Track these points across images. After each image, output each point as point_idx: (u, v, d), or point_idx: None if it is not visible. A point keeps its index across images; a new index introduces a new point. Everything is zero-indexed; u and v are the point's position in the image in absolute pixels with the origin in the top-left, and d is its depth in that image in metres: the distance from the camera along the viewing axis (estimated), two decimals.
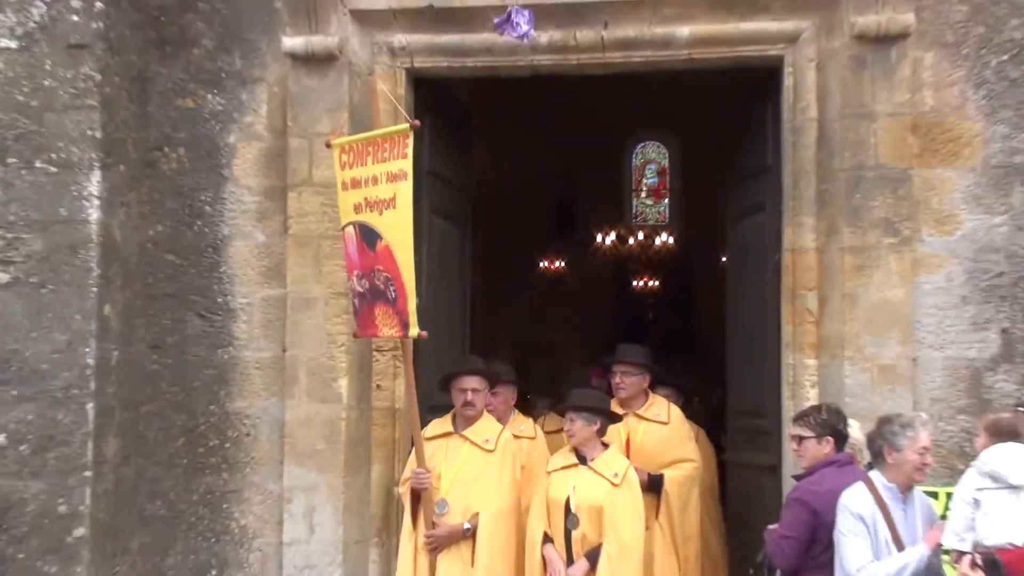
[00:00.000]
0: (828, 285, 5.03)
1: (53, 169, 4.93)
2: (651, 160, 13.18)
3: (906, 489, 3.85)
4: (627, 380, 5.24)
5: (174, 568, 5.28)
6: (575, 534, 4.54)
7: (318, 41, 5.14)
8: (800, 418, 4.28)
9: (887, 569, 3.70)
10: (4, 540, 4.77)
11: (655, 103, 8.80)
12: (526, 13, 4.54)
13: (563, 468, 4.69)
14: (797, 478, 4.24)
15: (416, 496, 4.69)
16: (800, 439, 4.16)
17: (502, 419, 5.12)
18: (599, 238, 12.22)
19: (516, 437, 5.06)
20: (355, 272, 4.64)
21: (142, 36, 5.34)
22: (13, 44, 4.98)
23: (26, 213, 4.92)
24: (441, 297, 5.68)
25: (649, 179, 13.17)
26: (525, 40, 4.46)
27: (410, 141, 4.40)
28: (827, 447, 4.10)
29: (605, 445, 4.75)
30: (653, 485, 5.02)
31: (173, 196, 5.38)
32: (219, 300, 5.34)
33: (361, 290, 4.62)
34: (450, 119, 5.92)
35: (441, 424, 4.92)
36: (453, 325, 5.92)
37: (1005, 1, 4.93)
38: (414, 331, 4.47)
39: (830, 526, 3.90)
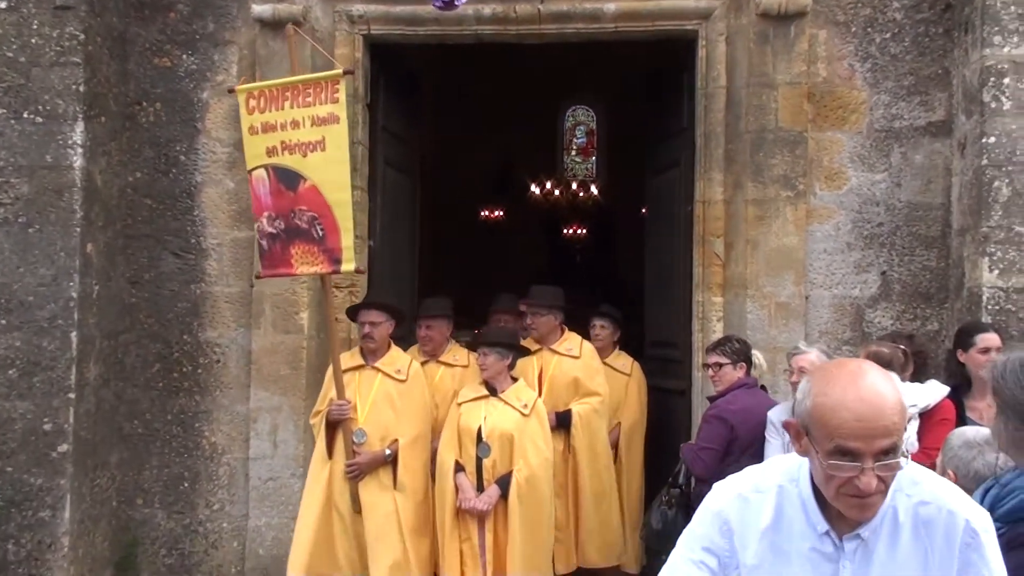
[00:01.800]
0: (733, 232, 5.46)
1: (40, 119, 5.10)
2: (581, 122, 13.91)
3: None
4: (537, 320, 5.44)
5: (149, 481, 5.60)
6: (486, 462, 4.63)
7: (284, 8, 5.45)
8: (716, 347, 4.71)
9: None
10: None
11: (584, 73, 9.33)
12: None
13: (474, 399, 4.78)
14: (711, 399, 4.71)
15: (332, 426, 4.72)
16: (719, 365, 4.61)
17: (437, 350, 5.28)
18: (534, 190, 12.92)
19: (449, 366, 5.24)
20: (265, 214, 4.62)
21: (123, 0, 5.56)
22: (3, 4, 5.10)
23: (14, 159, 5.08)
24: (394, 241, 6.04)
25: (579, 139, 13.90)
26: (456, 4, 4.57)
27: (341, 86, 4.41)
28: (740, 372, 4.62)
29: (514, 379, 4.87)
30: (561, 422, 5.22)
31: (150, 146, 5.62)
32: (192, 240, 5.60)
33: (273, 230, 4.60)
34: (402, 82, 6.26)
35: (351, 357, 4.93)
36: (404, 266, 6.29)
37: None
38: (348, 265, 4.51)
39: (742, 439, 4.41)
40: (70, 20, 5.16)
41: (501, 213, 12.94)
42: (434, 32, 5.70)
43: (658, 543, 4.80)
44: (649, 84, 6.64)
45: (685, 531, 2.03)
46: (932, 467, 3.06)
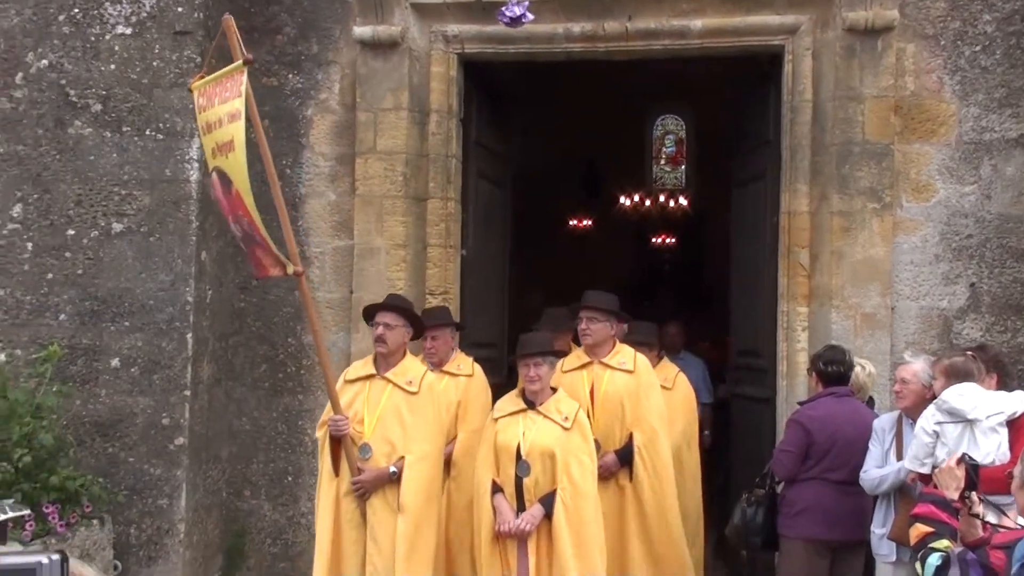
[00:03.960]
0: (819, 244, 5.53)
1: (160, 136, 5.46)
2: (670, 131, 13.80)
3: (914, 415, 4.32)
4: (593, 326, 4.94)
5: (256, 474, 5.93)
6: (527, 481, 4.30)
7: (383, 30, 5.74)
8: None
9: (875, 474, 4.40)
10: (118, 446, 5.38)
11: (673, 81, 9.39)
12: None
13: (511, 414, 4.45)
14: (801, 403, 4.86)
15: (336, 442, 4.42)
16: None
17: (443, 360, 5.02)
18: (623, 200, 12.92)
19: (453, 375, 4.97)
20: (229, 215, 4.33)
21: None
22: (128, 31, 5.51)
23: (137, 173, 5.44)
24: (486, 249, 6.26)
25: (668, 148, 13.80)
26: (523, 21, 4.49)
27: (244, 78, 3.91)
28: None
29: (553, 389, 4.54)
30: (623, 458, 4.83)
31: (258, 160, 5.86)
32: (297, 249, 5.96)
33: (239, 233, 4.35)
34: (494, 98, 6.49)
35: (363, 366, 4.65)
36: (495, 275, 6.52)
37: None
38: (291, 268, 4.26)
39: (820, 445, 4.55)
40: (188, 44, 5.53)
41: (590, 222, 13.04)
42: (525, 50, 5.88)
43: (735, 538, 4.97)
44: (735, 97, 6.71)
45: None
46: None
